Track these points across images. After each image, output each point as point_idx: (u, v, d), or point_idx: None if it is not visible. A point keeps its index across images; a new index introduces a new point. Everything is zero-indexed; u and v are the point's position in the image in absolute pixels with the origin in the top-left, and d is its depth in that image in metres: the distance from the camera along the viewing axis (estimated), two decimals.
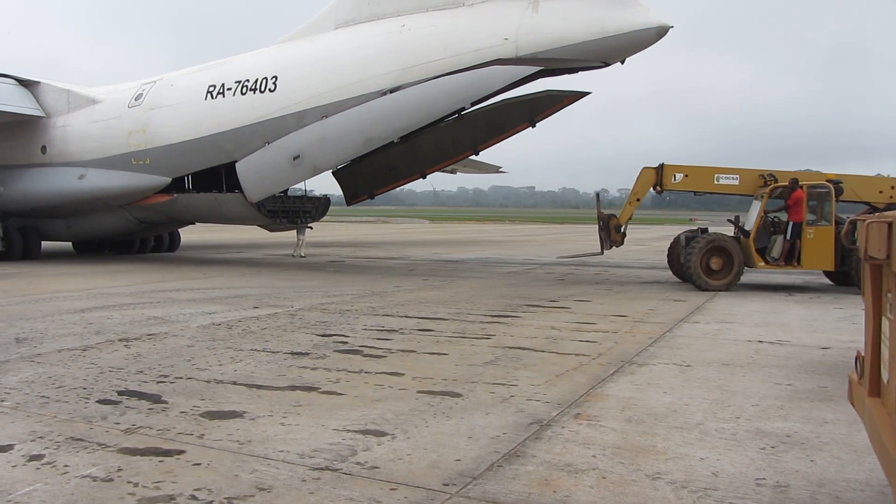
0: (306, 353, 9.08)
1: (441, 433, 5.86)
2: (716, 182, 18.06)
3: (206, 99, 22.50)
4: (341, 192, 26.22)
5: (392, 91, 19.32)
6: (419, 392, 7.19)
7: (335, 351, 9.28)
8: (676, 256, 19.20)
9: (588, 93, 21.77)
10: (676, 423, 6.23)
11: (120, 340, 9.88)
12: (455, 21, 19.18)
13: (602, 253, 19.58)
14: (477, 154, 24.11)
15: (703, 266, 17.25)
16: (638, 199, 18.87)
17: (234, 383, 7.49)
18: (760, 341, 10.38)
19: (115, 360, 8.57)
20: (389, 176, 25.12)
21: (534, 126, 22.46)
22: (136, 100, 24.45)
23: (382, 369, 8.21)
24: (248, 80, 21.76)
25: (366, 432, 5.87)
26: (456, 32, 18.98)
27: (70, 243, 29.57)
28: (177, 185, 23.98)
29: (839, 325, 12.12)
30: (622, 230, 18.95)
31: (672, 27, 17.70)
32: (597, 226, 19.45)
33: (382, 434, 5.83)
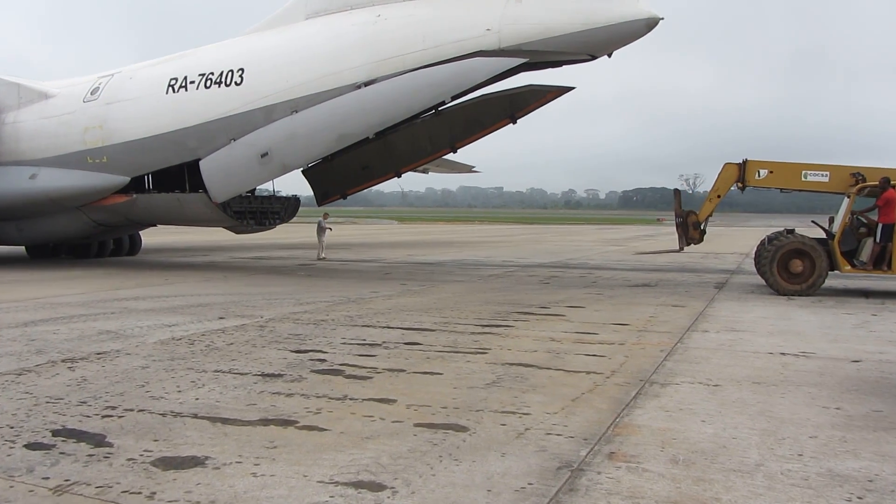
0: (279, 375, 7.90)
1: (452, 484, 4.75)
2: (803, 179, 16.87)
3: (167, 93, 21.10)
4: (311, 192, 25.02)
5: (367, 84, 18.13)
6: (417, 425, 6.07)
7: (313, 371, 8.12)
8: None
9: (572, 87, 20.87)
10: (731, 463, 5.19)
11: (63, 361, 8.60)
12: (434, 11, 18.07)
13: (681, 249, 18.57)
14: (455, 152, 23.04)
15: (781, 269, 16.33)
16: (719, 196, 17.80)
17: (195, 416, 6.30)
18: (783, 353, 9.43)
19: (55, 388, 7.32)
20: (363, 175, 23.94)
21: (514, 122, 21.50)
22: (92, 94, 22.95)
23: (370, 395, 7.07)
24: (212, 73, 20.41)
25: (358, 485, 4.74)
26: (435, 22, 17.87)
27: (23, 248, 27.89)
28: (136, 185, 22.51)
29: (857, 333, 11.24)
30: (701, 227, 17.92)
31: (662, 19, 16.80)
32: (674, 223, 18.40)
33: (380, 487, 4.70)
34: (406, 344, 9.81)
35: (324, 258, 26.87)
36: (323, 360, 8.70)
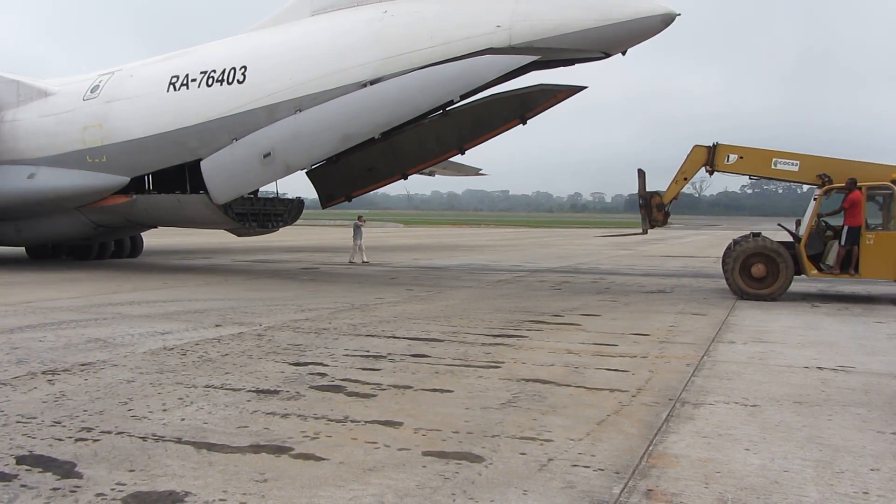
0: (275, 392, 7.26)
1: None
2: (773, 167, 16.46)
3: (168, 91, 20.50)
4: (315, 194, 24.43)
5: (373, 83, 17.49)
6: (426, 454, 5.41)
7: (311, 387, 7.47)
8: None
9: (584, 87, 20.25)
10: None
11: (44, 373, 7.97)
12: (443, 7, 17.43)
13: (645, 232, 18.09)
14: (463, 153, 22.40)
15: (744, 273, 15.91)
16: (686, 179, 17.37)
17: (179, 441, 5.66)
18: (820, 368, 8.75)
19: (30, 404, 6.69)
20: (368, 177, 23.32)
21: (524, 123, 20.87)
22: (91, 92, 22.38)
23: (374, 416, 6.42)
24: (214, 71, 19.81)
25: None
26: (444, 19, 17.23)
27: (23, 248, 27.35)
28: (136, 186, 21.95)
29: (895, 344, 10.55)
30: (665, 209, 17.47)
31: (679, 14, 16.16)
32: (638, 204, 17.96)
33: None
34: (413, 356, 9.16)
35: (366, 262, 26.21)
36: (323, 375, 8.05)
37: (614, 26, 15.94)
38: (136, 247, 28.17)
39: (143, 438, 5.71)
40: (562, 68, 18.52)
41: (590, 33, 16.05)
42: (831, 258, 15.71)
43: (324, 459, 5.27)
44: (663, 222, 17.67)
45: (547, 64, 17.80)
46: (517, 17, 16.43)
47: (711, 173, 17.14)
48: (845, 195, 15.41)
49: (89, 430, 5.93)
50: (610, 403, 6.96)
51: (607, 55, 17.00)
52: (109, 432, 5.86)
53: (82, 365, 8.42)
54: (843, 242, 15.42)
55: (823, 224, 16.21)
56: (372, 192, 27.84)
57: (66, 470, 5.01)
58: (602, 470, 5.12)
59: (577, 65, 18.16)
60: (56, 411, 6.47)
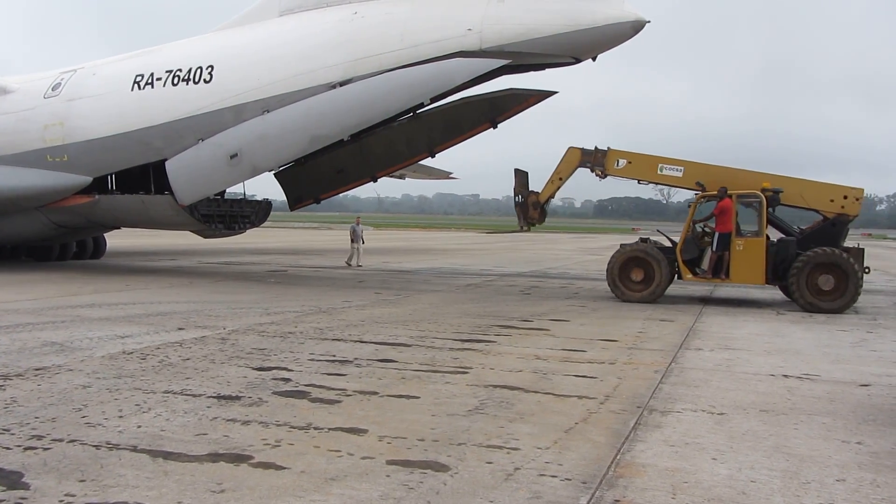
0: (237, 398, 7.07)
1: None
2: (659, 172, 17.06)
3: (132, 90, 20.13)
4: (284, 196, 24.14)
5: (342, 84, 17.34)
6: (390, 462, 5.28)
7: (275, 393, 7.29)
8: None
9: (555, 92, 20.22)
10: None
11: None
12: (413, 9, 17.34)
13: (527, 230, 18.68)
14: (433, 156, 22.26)
15: (624, 276, 16.59)
16: (561, 179, 17.94)
17: (134, 449, 5.46)
18: (785, 375, 8.78)
19: None
20: (337, 179, 23.07)
21: (495, 127, 20.78)
22: (53, 90, 21.89)
23: (338, 423, 6.27)
24: (180, 70, 19.49)
25: None
26: (414, 21, 17.14)
27: None
28: (99, 186, 21.50)
29: (858, 352, 10.64)
30: (541, 207, 18.06)
31: (649, 22, 16.28)
32: (514, 202, 18.52)
33: None
34: (379, 361, 9.01)
35: (360, 266, 26.02)
36: (287, 380, 7.87)
37: (585, 32, 15.99)
38: (98, 248, 27.60)
39: (97, 447, 5.50)
40: (532, 73, 18.55)
41: (560, 38, 16.08)
42: (705, 263, 16.29)
43: (284, 468, 5.12)
44: (540, 220, 18.27)
45: (517, 68, 17.79)
46: (488, 20, 16.39)
47: (603, 177, 17.59)
48: (717, 202, 15.95)
49: (40, 437, 5.70)
50: (578, 411, 6.89)
51: (578, 61, 17.04)
52: (61, 440, 5.64)
53: (36, 370, 8.14)
54: (714, 248, 16.01)
55: (701, 230, 16.83)
56: (341, 195, 27.67)
57: (12, 480, 4.79)
58: (569, 479, 5.03)
59: (547, 70, 18.18)
60: (5, 418, 6.22)
